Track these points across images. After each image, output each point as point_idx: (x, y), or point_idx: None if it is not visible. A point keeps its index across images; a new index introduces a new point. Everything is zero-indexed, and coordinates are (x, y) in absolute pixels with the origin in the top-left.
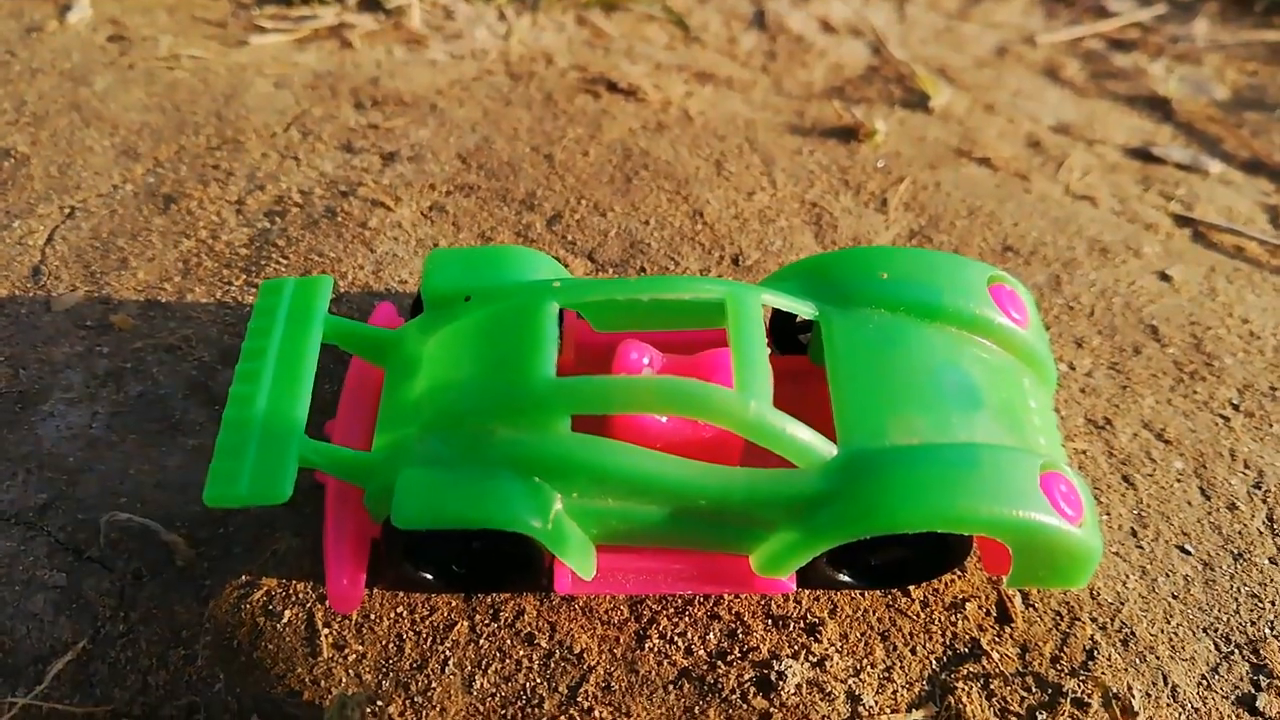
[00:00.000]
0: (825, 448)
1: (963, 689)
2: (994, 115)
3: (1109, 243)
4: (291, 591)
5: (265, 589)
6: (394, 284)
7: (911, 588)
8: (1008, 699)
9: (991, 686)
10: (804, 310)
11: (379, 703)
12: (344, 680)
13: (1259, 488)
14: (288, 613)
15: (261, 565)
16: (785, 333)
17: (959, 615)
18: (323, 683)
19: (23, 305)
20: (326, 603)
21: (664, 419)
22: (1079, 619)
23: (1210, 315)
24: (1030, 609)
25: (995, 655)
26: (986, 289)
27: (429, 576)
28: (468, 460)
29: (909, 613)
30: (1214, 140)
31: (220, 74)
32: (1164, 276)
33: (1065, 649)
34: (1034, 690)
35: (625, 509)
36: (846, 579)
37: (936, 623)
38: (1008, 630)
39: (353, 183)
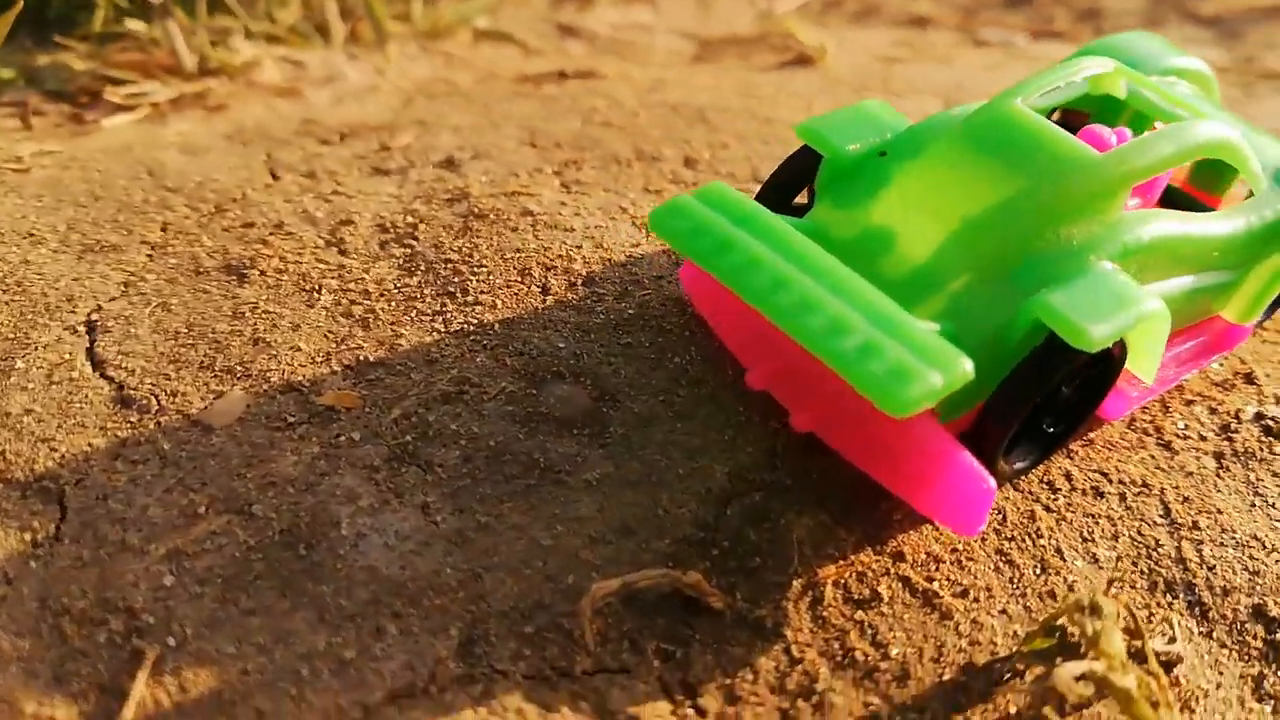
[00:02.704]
0: (1262, 173)
1: None
2: None
3: None
4: (860, 568)
5: (830, 580)
6: (618, 254)
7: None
8: None
9: None
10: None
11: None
12: (995, 625)
13: None
14: (881, 589)
15: (801, 562)
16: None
17: None
18: (980, 639)
19: (159, 438)
20: (907, 559)
21: None
22: None
23: None
24: None
25: None
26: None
27: (1015, 465)
28: (1069, 271)
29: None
30: None
31: (100, 160)
32: None
33: None
34: None
35: (1161, 291)
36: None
37: None
38: None
39: (452, 191)
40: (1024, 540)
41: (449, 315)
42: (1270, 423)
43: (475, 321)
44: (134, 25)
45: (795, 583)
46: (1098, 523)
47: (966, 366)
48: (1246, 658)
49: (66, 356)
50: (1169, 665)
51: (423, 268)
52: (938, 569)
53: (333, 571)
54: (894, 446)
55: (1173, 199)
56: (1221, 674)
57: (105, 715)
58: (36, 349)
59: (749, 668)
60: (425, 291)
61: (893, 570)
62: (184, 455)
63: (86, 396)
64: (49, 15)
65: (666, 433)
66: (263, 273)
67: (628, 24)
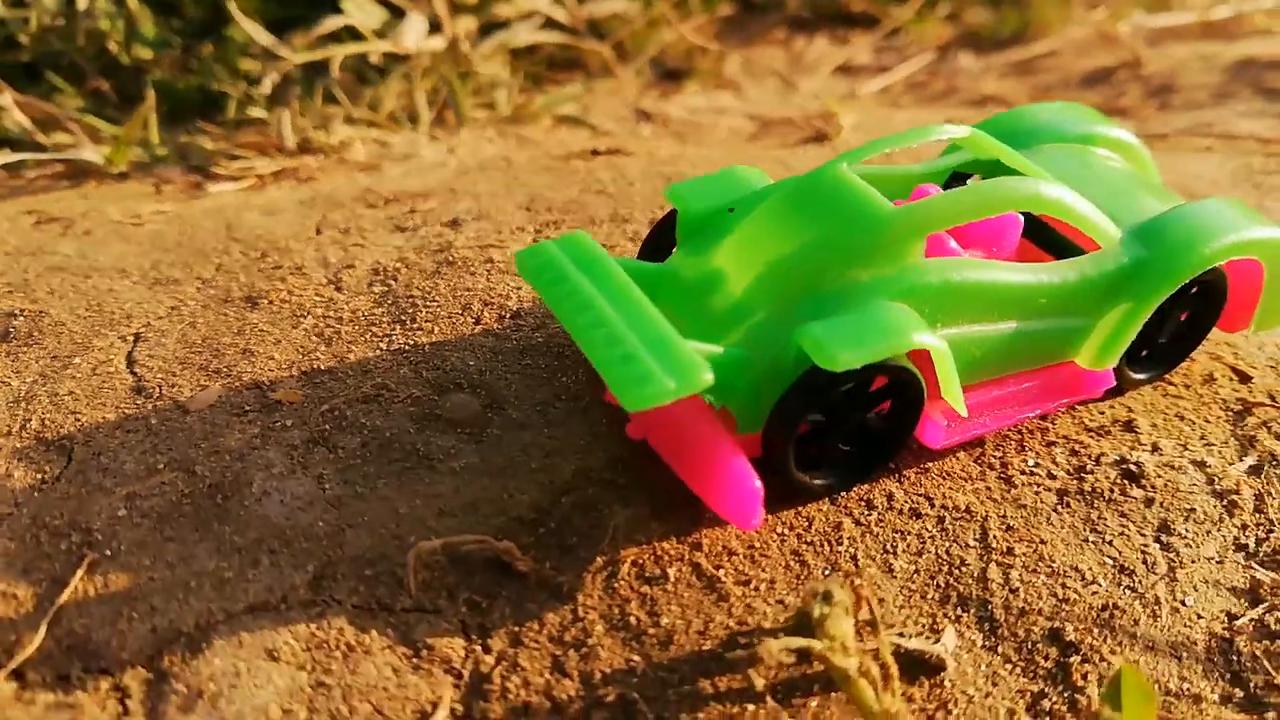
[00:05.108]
0: (1113, 227)
1: (1260, 436)
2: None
3: None
4: (659, 552)
5: (630, 560)
6: None
7: (1168, 376)
8: None
9: (1275, 429)
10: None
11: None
12: (768, 611)
13: None
14: (671, 571)
15: (610, 543)
16: None
17: (1214, 387)
18: (749, 620)
19: (150, 416)
20: (704, 549)
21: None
22: None
23: None
24: (1262, 368)
25: (1265, 404)
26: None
27: (815, 482)
28: (847, 308)
29: (1182, 396)
30: None
31: (197, 218)
32: None
33: None
34: None
35: (979, 333)
36: (1141, 376)
37: (1205, 395)
38: (1253, 385)
39: (443, 243)
40: (822, 545)
41: (394, 338)
42: (1133, 468)
43: (412, 344)
44: (257, 112)
45: (600, 559)
46: (905, 539)
47: (706, 376)
48: (1031, 675)
49: (110, 358)
50: (931, 667)
51: (389, 301)
52: (729, 560)
53: (236, 517)
54: (691, 451)
55: (1055, 242)
56: (995, 685)
57: (50, 597)
58: (92, 351)
59: (537, 620)
60: (383, 320)
61: (687, 557)
62: (164, 429)
63: (114, 385)
64: (191, 104)
65: (534, 436)
66: (271, 302)
67: (708, 108)
